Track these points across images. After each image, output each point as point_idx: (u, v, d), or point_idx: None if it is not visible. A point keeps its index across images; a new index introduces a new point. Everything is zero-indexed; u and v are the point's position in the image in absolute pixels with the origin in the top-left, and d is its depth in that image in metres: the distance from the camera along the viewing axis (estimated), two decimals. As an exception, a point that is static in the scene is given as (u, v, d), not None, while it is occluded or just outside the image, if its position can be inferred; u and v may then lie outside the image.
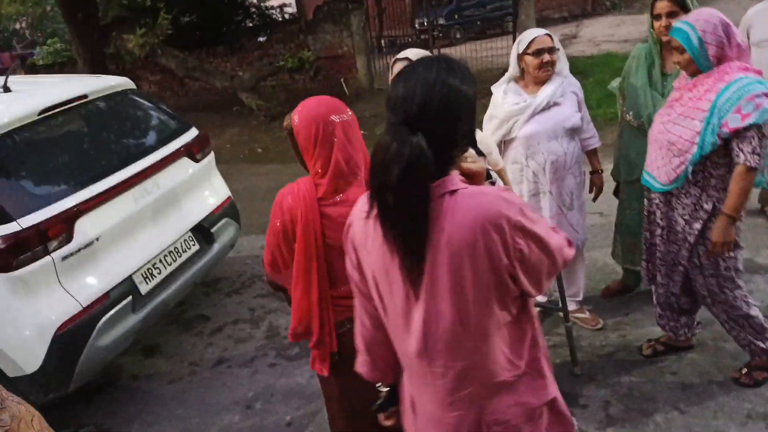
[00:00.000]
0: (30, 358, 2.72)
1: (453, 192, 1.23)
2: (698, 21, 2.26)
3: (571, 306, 3.19)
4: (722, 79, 2.25)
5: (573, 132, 2.92)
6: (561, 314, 2.93)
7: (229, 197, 3.89)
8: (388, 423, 1.63)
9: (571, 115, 2.87)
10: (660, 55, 2.86)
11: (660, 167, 2.49)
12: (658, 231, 2.63)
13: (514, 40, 10.04)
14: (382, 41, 14.06)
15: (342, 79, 10.26)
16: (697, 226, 2.45)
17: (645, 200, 2.71)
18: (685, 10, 2.64)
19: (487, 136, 2.94)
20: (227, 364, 3.50)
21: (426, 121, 1.20)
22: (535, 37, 2.78)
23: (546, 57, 2.77)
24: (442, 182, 1.23)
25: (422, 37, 13.63)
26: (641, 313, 3.30)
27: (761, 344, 2.56)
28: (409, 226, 1.21)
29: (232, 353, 3.60)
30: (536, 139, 2.88)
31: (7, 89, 3.21)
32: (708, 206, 2.41)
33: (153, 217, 3.29)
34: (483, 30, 15.88)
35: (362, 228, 1.36)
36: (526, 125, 2.87)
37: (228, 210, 3.83)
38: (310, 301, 1.85)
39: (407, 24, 17.49)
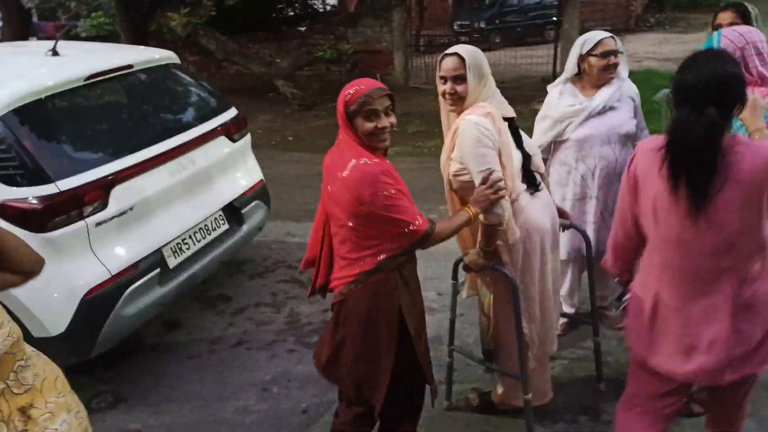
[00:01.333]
0: (56, 321, 2.73)
1: (740, 145, 1.68)
2: (728, 34, 2.23)
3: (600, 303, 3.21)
4: None
5: (627, 138, 2.86)
6: (591, 327, 2.87)
7: (261, 180, 3.88)
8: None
9: (626, 120, 2.82)
10: None
11: None
12: None
13: (555, 49, 9.91)
14: (421, 40, 14.00)
15: (378, 75, 10.25)
16: None
17: None
18: (746, 21, 2.59)
19: (535, 137, 2.90)
20: (246, 346, 3.50)
21: (713, 98, 1.64)
22: (602, 39, 2.74)
23: (612, 59, 2.73)
24: (731, 138, 1.69)
25: (461, 39, 13.56)
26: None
27: None
28: (702, 172, 1.64)
29: (251, 335, 3.60)
30: (589, 142, 2.83)
31: (55, 53, 3.24)
32: None
33: (186, 192, 3.30)
34: (522, 36, 15.74)
35: (648, 163, 1.77)
36: (579, 128, 2.83)
37: (259, 192, 3.82)
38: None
39: (447, 25, 17.42)
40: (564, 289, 3.26)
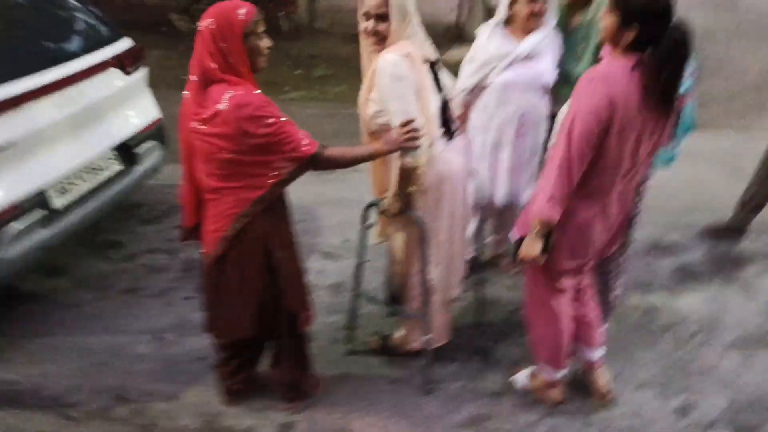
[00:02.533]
0: (-76, 264, 2.47)
1: None
2: None
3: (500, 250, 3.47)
4: None
5: (547, 88, 2.91)
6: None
7: (158, 119, 3.65)
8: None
9: (549, 70, 2.86)
10: None
11: None
12: None
13: None
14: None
15: (281, 13, 9.83)
16: None
17: None
18: None
19: (460, 80, 2.92)
20: (138, 294, 3.35)
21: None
22: None
23: (538, 5, 2.73)
24: None
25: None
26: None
27: None
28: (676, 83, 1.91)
29: (144, 282, 3.44)
30: (511, 88, 2.86)
31: None
32: None
33: (74, 128, 3.04)
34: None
35: (625, 88, 1.91)
36: (504, 72, 2.85)
37: (156, 132, 3.60)
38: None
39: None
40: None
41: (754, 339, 3.00)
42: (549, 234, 2.13)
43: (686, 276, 3.52)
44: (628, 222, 2.38)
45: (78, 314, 3.17)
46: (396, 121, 2.20)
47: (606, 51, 2.20)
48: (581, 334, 2.52)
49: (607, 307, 2.75)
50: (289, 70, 7.73)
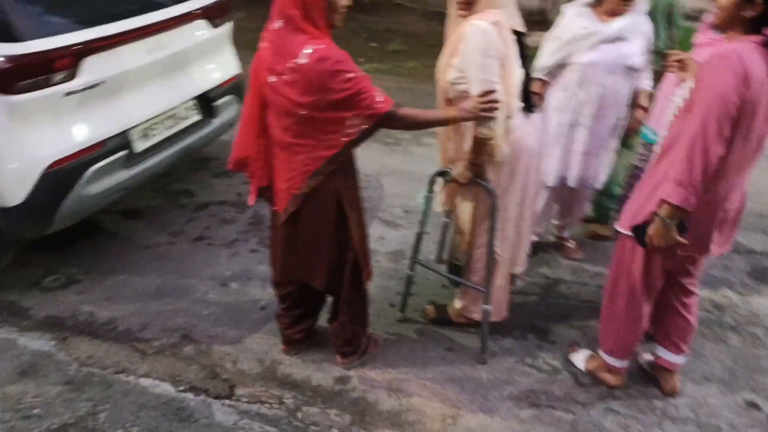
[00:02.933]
0: (15, 191, 2.63)
1: None
2: None
3: (564, 233, 3.46)
4: None
5: (631, 71, 2.84)
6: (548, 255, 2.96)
7: (239, 74, 3.73)
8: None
9: (635, 53, 2.79)
10: None
11: None
12: None
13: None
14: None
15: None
16: None
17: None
18: None
19: (542, 57, 2.91)
20: (207, 242, 3.47)
21: None
22: None
23: None
24: None
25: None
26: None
27: None
28: None
29: (213, 232, 3.56)
30: (594, 69, 2.81)
31: None
32: None
33: (161, 74, 3.15)
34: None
35: (759, 68, 1.79)
36: (588, 52, 2.80)
37: (235, 87, 3.68)
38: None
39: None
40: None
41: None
42: (681, 220, 1.98)
43: (761, 277, 3.36)
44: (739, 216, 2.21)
45: (151, 256, 3.32)
46: (476, 89, 2.16)
47: (705, 32, 2.09)
48: (670, 337, 2.42)
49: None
50: (365, 42, 7.76)
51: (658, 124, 2.52)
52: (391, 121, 2.06)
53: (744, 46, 1.82)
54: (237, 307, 2.96)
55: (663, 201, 1.95)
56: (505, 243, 2.51)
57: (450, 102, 2.32)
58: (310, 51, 1.90)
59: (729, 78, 1.79)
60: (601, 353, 2.50)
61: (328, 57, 1.91)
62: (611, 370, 2.50)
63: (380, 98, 2.02)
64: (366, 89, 1.98)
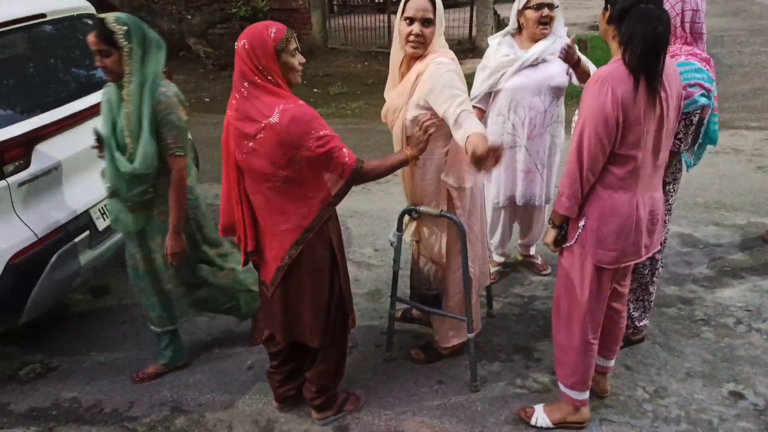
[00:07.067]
0: (-20, 288, 2.56)
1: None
2: None
3: (530, 251, 3.60)
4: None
5: (557, 91, 2.98)
6: (519, 274, 3.04)
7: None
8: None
9: (558, 73, 2.93)
10: None
11: None
12: None
13: (471, 12, 9.89)
14: (335, 2, 13.74)
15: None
16: None
17: None
18: None
19: (474, 87, 3.03)
20: (182, 309, 3.42)
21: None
22: None
23: (546, 11, 2.83)
24: None
25: (376, 0, 13.42)
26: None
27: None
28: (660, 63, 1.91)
29: (187, 298, 3.51)
30: (521, 92, 2.95)
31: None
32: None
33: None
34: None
35: (629, 90, 1.91)
36: (513, 77, 2.94)
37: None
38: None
39: (361, -14, 17.13)
40: (495, 239, 3.42)
41: (797, 324, 2.99)
42: (561, 226, 2.20)
43: (723, 268, 3.51)
44: (665, 218, 2.36)
45: (128, 330, 3.27)
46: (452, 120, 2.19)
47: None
48: (606, 343, 2.44)
49: (647, 305, 2.77)
50: (307, 88, 7.88)
51: None
52: (359, 176, 2.11)
53: (616, 67, 1.96)
54: (223, 370, 2.92)
55: (554, 211, 2.17)
56: (476, 261, 2.62)
57: (409, 140, 2.37)
58: (280, 109, 1.94)
59: (597, 100, 1.94)
60: (564, 389, 2.42)
61: (299, 115, 1.95)
62: (578, 405, 2.42)
63: (348, 155, 2.06)
64: (338, 147, 2.03)
